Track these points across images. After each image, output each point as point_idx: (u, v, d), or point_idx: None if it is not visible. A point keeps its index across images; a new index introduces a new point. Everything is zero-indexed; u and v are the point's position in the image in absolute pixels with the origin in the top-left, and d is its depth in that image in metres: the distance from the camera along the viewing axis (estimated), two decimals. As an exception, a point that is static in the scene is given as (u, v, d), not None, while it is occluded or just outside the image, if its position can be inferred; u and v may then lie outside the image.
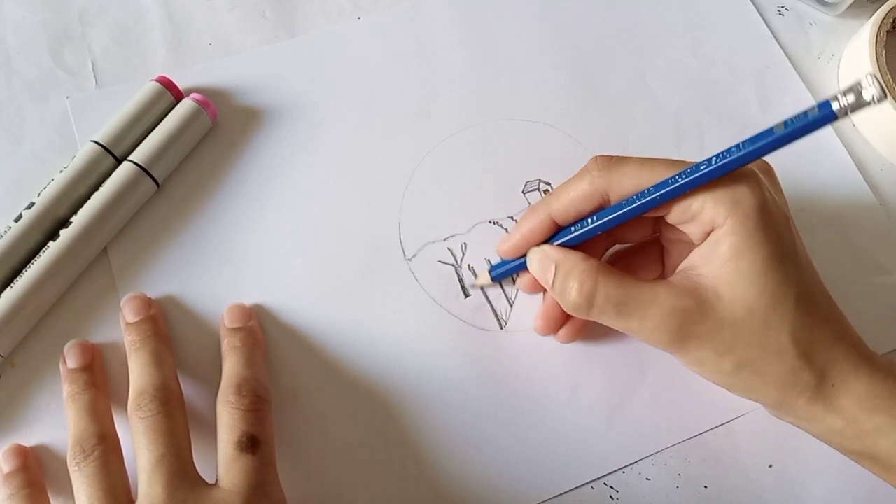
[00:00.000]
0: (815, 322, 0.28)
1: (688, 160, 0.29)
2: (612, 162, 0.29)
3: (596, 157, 0.30)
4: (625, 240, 0.34)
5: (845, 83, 0.24)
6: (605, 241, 0.33)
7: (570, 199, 0.30)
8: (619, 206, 0.29)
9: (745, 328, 0.27)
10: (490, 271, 0.34)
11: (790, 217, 0.29)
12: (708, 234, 0.28)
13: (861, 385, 0.27)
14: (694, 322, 0.27)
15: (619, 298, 0.28)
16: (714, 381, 0.29)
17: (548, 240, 0.32)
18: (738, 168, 0.27)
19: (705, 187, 0.28)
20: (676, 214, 0.29)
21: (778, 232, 0.28)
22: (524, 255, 0.32)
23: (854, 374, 0.27)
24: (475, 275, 0.36)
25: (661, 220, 0.31)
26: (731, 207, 0.27)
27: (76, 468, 0.29)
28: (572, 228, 0.31)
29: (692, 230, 0.29)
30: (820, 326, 0.28)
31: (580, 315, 0.29)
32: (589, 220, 0.30)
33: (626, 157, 0.29)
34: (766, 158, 0.29)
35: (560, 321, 0.33)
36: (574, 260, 0.29)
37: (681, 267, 0.29)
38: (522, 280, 0.33)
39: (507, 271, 0.33)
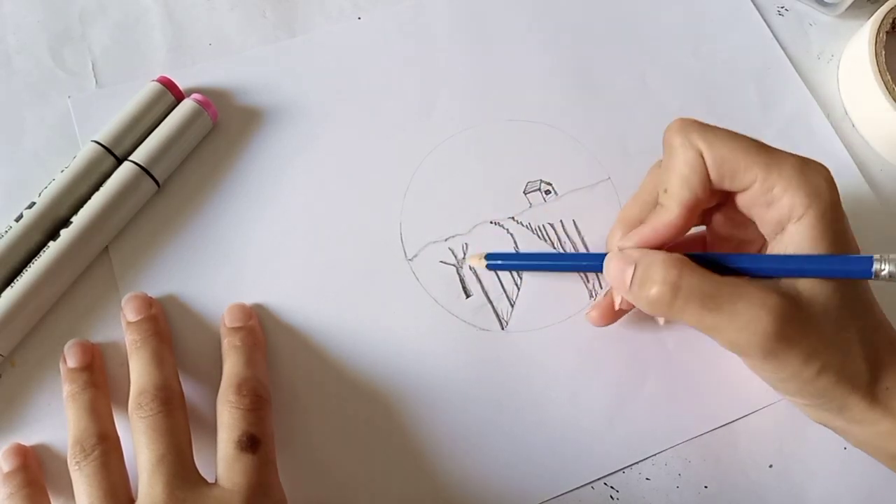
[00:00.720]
0: (874, 324, 0.28)
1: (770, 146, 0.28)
2: (697, 125, 0.28)
3: (681, 122, 0.29)
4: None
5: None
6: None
7: (680, 178, 0.28)
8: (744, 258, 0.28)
9: (826, 328, 0.26)
10: (487, 259, 0.34)
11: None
12: (780, 224, 0.27)
13: None
14: (787, 320, 0.26)
15: (707, 291, 0.26)
16: (786, 389, 0.28)
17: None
18: (814, 164, 0.28)
19: (790, 173, 0.27)
20: (755, 195, 0.28)
21: (846, 230, 0.28)
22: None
23: None
24: (476, 275, 0.36)
25: (711, 212, 0.30)
26: (812, 198, 0.27)
27: (76, 468, 0.29)
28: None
29: (766, 216, 0.28)
30: (877, 329, 0.28)
31: (660, 311, 0.28)
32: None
33: (712, 126, 0.28)
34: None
35: (613, 315, 0.33)
36: (656, 253, 0.28)
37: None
38: (593, 314, 0.34)
39: (505, 266, 0.33)
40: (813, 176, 0.27)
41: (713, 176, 0.28)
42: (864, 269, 0.26)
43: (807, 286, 0.27)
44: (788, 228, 0.27)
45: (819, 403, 0.28)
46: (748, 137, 0.28)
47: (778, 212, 0.27)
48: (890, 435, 0.28)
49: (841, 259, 0.27)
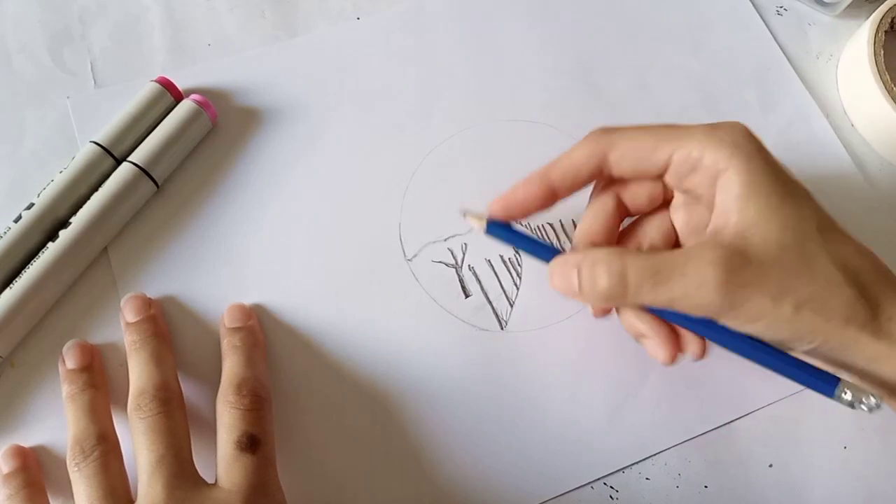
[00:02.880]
0: (849, 253, 0.27)
1: (679, 123, 0.29)
2: (606, 128, 0.29)
3: (592, 131, 0.30)
4: (634, 210, 0.32)
5: (853, 389, 0.27)
6: (617, 215, 0.32)
7: (569, 163, 0.30)
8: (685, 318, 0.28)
9: (790, 264, 0.26)
10: (488, 226, 0.31)
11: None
12: (713, 183, 0.28)
13: None
14: (737, 268, 0.26)
15: (652, 268, 0.27)
16: (776, 335, 0.27)
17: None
18: (727, 124, 0.28)
19: (700, 136, 0.28)
20: (677, 166, 0.28)
21: (781, 172, 0.27)
22: (512, 219, 0.31)
23: None
24: (476, 275, 0.36)
25: (666, 187, 0.30)
26: (732, 149, 0.27)
27: (76, 468, 0.29)
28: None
29: (696, 181, 0.28)
30: (855, 257, 0.27)
31: (617, 302, 0.28)
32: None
33: (624, 126, 0.29)
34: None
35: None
36: (595, 250, 0.28)
37: (706, 235, 0.29)
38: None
39: (504, 237, 0.31)
40: (726, 131, 0.27)
41: (625, 169, 0.29)
42: (826, 390, 0.27)
43: (754, 232, 0.26)
44: (719, 183, 0.27)
45: (819, 346, 0.27)
46: (657, 125, 0.29)
47: (704, 174, 0.28)
48: None
49: (809, 374, 0.27)
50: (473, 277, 0.36)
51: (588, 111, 0.40)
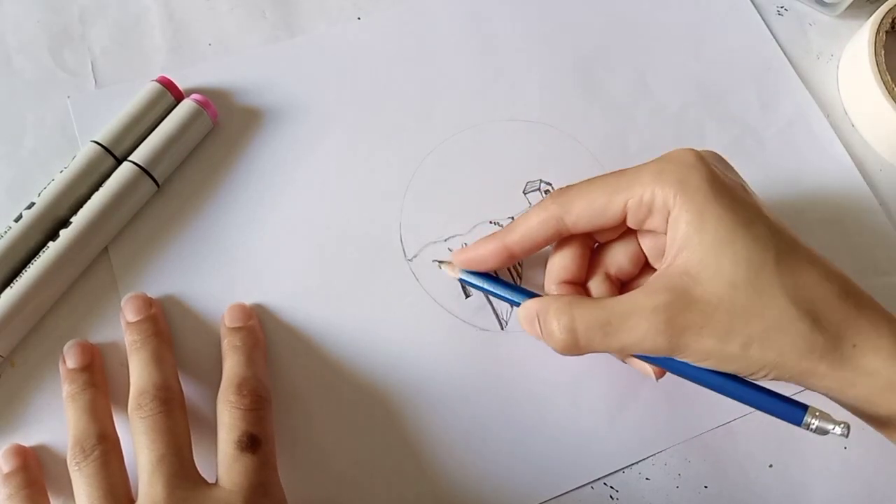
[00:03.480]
0: (809, 281, 0.26)
1: (622, 168, 0.29)
2: (562, 189, 0.30)
3: (550, 195, 0.30)
4: (601, 241, 0.32)
5: (820, 416, 0.28)
6: (585, 245, 0.32)
7: (525, 229, 0.30)
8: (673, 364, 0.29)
9: (736, 303, 0.26)
10: (461, 276, 0.33)
11: (747, 185, 0.29)
12: (666, 224, 0.28)
13: (886, 341, 0.26)
14: (680, 312, 0.26)
15: (599, 320, 0.27)
16: (730, 370, 0.27)
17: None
18: (675, 155, 0.28)
19: (648, 178, 0.28)
20: (633, 212, 0.29)
21: (734, 199, 0.27)
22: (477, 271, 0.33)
23: (875, 331, 0.26)
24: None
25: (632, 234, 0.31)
26: (677, 187, 0.27)
27: (76, 468, 0.29)
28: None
29: (655, 223, 0.29)
30: (817, 285, 0.26)
31: (574, 353, 0.29)
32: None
33: (573, 183, 0.30)
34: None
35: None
36: (548, 301, 0.29)
37: (656, 274, 0.29)
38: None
39: (475, 286, 0.33)
40: (673, 167, 0.28)
41: (584, 227, 0.30)
42: (794, 420, 0.28)
43: (702, 268, 0.26)
44: (669, 222, 0.28)
45: (777, 377, 0.27)
46: (608, 175, 0.29)
47: (658, 215, 0.28)
48: (878, 393, 0.26)
49: (775, 403, 0.28)
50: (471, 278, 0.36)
51: (588, 111, 0.40)
